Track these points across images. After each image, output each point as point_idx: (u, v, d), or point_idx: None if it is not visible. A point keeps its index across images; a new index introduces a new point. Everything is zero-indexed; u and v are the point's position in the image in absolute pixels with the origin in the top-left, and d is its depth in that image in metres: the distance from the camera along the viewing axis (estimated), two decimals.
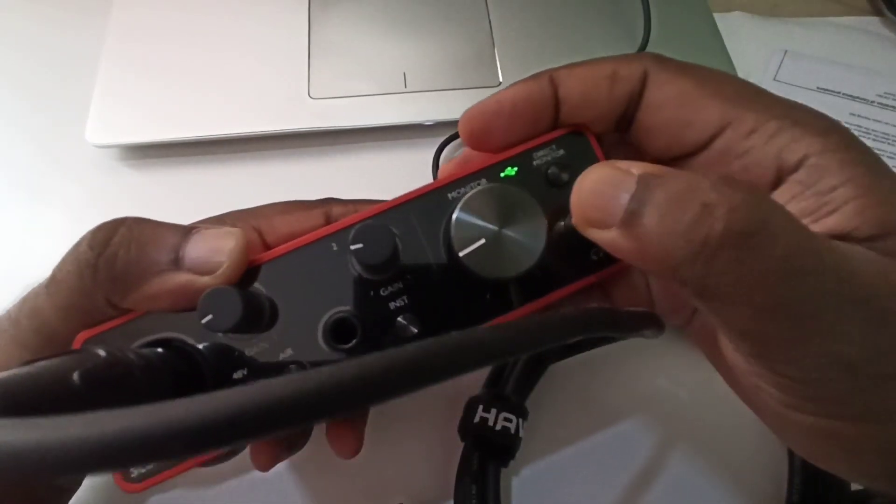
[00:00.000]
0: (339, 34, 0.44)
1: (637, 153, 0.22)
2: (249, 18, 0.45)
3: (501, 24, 0.45)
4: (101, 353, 0.15)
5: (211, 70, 0.43)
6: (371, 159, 0.42)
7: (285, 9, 0.45)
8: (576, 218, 0.18)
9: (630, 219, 0.15)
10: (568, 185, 0.21)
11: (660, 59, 0.20)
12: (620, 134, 0.22)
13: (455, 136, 0.42)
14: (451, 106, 0.42)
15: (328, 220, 0.24)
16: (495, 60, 0.43)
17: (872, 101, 0.43)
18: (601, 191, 0.16)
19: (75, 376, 0.14)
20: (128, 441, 0.08)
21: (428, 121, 0.42)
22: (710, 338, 0.21)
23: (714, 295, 0.15)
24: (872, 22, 0.47)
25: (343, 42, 0.44)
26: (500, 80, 0.43)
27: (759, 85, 0.19)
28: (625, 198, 0.15)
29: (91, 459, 0.08)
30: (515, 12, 0.45)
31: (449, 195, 0.21)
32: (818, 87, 0.44)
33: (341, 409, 0.10)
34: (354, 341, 0.20)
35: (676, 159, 0.21)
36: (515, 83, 0.21)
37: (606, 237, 0.16)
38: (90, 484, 0.30)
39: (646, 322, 0.18)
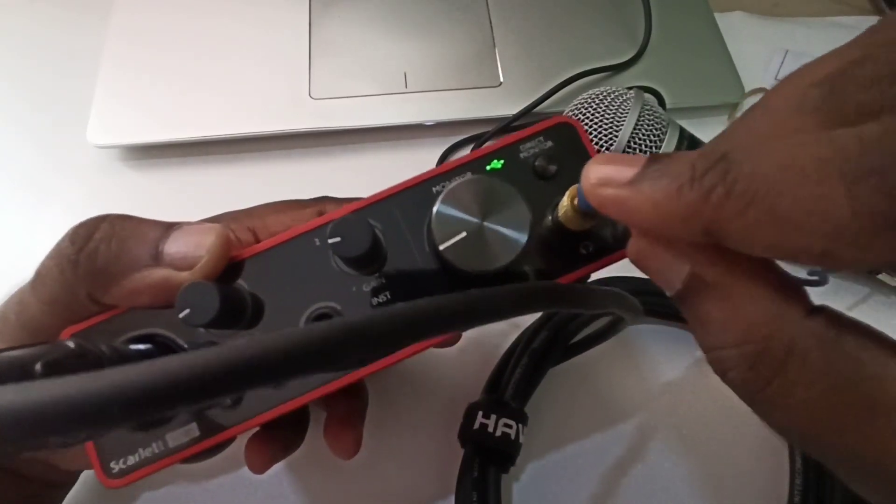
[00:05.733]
0: (340, 34, 0.44)
1: None
2: (250, 18, 0.45)
3: (501, 24, 0.45)
4: (70, 344, 0.15)
5: (212, 70, 0.43)
6: (371, 159, 0.42)
7: (286, 9, 0.45)
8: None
9: None
10: (555, 178, 0.21)
11: None
12: None
13: (459, 144, 0.42)
14: (452, 106, 0.42)
15: None
16: (495, 60, 0.43)
17: None
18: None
19: (38, 366, 0.13)
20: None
21: (428, 121, 0.42)
22: None
23: None
24: (873, 21, 0.47)
25: (344, 42, 0.44)
26: (501, 79, 0.43)
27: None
28: None
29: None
30: (515, 12, 0.45)
31: (433, 188, 0.21)
32: None
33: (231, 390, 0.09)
34: None
35: None
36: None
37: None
38: (84, 481, 0.30)
39: (616, 301, 0.17)
